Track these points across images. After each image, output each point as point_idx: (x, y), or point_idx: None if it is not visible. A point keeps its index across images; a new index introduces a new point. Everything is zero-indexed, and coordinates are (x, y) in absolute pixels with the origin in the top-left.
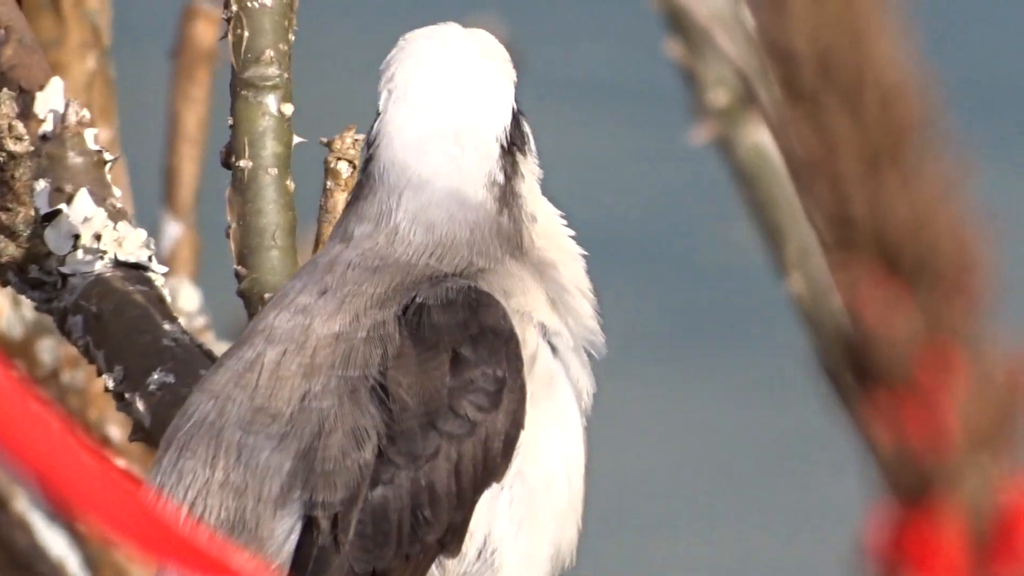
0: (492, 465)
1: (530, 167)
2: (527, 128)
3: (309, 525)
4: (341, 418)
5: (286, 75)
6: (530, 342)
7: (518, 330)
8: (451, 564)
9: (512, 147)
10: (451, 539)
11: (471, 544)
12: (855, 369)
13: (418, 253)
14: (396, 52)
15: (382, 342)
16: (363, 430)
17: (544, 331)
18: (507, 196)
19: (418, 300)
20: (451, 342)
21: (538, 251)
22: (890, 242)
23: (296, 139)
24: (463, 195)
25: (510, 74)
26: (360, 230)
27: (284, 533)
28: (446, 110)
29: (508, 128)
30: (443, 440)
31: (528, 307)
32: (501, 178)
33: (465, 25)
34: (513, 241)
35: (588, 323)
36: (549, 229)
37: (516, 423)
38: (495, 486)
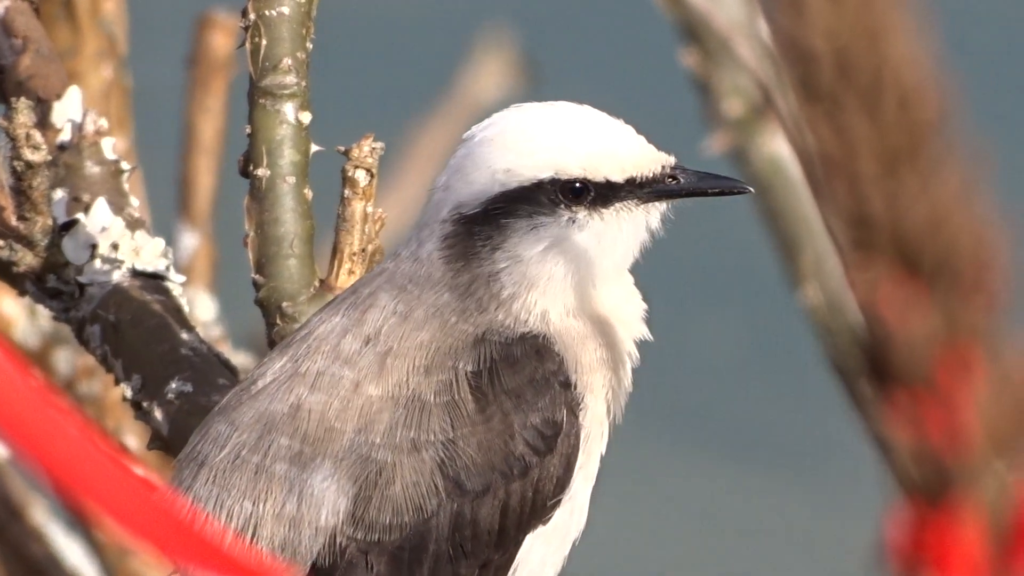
0: (540, 506)
1: None
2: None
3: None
4: (401, 468)
5: (304, 83)
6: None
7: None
8: None
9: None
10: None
11: None
12: (873, 371)
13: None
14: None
15: (450, 403)
16: (421, 477)
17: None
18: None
19: (486, 352)
20: (515, 388)
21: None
22: (908, 242)
23: (314, 148)
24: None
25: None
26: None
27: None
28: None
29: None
30: (495, 478)
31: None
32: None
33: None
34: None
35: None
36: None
37: (569, 467)
38: (540, 528)
